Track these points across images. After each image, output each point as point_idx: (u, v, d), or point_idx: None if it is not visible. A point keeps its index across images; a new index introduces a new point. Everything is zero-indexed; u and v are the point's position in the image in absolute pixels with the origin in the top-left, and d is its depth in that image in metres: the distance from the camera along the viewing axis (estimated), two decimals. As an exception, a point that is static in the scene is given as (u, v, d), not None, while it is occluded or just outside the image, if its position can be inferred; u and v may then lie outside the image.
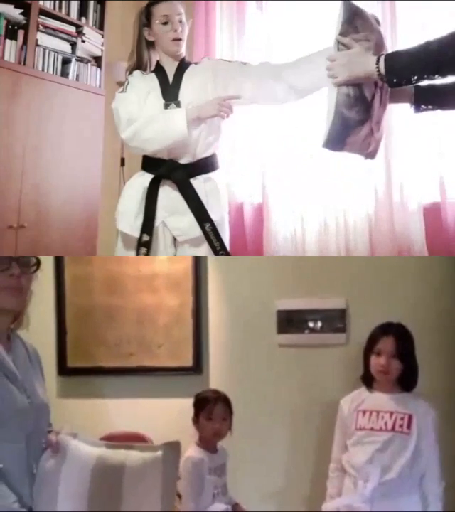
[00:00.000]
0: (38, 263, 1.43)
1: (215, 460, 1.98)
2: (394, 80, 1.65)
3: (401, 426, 1.91)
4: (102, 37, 3.60)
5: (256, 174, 3.60)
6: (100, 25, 3.61)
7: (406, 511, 1.86)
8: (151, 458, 1.35)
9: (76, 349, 2.32)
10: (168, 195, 2.17)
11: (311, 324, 2.29)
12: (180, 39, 2.21)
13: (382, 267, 2.29)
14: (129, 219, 2.22)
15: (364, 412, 1.97)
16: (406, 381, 1.97)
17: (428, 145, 3.15)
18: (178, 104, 2.16)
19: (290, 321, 2.29)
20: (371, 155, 1.89)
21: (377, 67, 1.64)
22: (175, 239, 2.23)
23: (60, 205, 3.30)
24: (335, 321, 2.27)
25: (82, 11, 3.49)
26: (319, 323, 2.28)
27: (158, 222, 2.18)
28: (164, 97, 2.18)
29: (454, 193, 3.10)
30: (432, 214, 3.15)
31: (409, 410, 1.92)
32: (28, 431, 1.33)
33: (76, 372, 2.32)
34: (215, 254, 2.20)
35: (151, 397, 2.30)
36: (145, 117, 2.14)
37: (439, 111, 1.87)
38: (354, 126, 1.74)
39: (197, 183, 2.18)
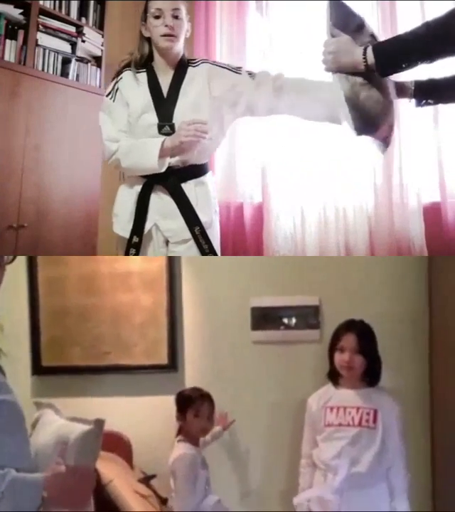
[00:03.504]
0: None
1: (201, 453, 2.05)
2: (385, 69, 1.64)
3: (367, 421, 1.98)
4: (102, 37, 3.60)
5: (256, 174, 3.60)
6: (100, 25, 3.61)
7: (373, 500, 1.93)
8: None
9: (51, 348, 2.33)
10: (161, 199, 2.19)
11: (285, 321, 2.32)
12: (171, 35, 2.09)
13: (355, 266, 2.34)
14: (123, 222, 2.25)
15: (332, 409, 2.03)
16: (370, 376, 2.03)
17: (428, 144, 3.15)
18: (172, 127, 2.10)
19: (264, 318, 2.32)
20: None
21: (364, 58, 1.64)
22: (166, 240, 2.24)
23: (60, 205, 3.30)
24: (309, 317, 2.31)
25: (82, 11, 3.48)
26: (293, 320, 2.31)
27: (151, 224, 2.20)
28: (158, 116, 2.12)
29: (454, 192, 3.11)
30: (432, 213, 3.15)
31: (374, 405, 1.99)
32: None
33: (51, 372, 2.33)
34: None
35: (126, 395, 2.32)
36: (123, 147, 2.14)
37: (439, 104, 1.86)
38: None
39: (189, 187, 2.19)
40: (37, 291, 2.33)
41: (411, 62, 1.62)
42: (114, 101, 2.18)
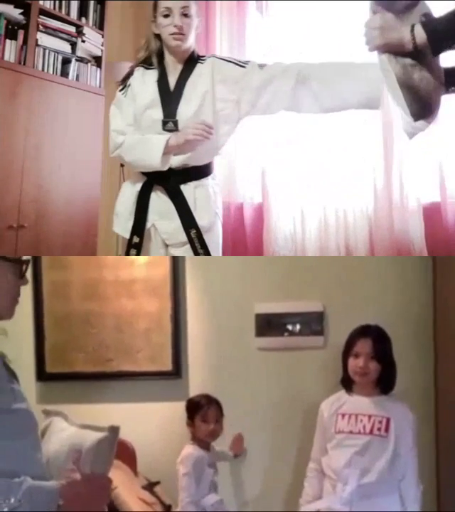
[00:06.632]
0: (28, 263, 1.34)
1: (211, 457, 2.09)
2: (437, 47, 1.53)
3: (379, 429, 1.92)
4: (102, 37, 3.60)
5: (256, 174, 3.60)
6: (100, 25, 3.61)
7: (385, 511, 1.88)
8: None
9: (55, 355, 2.32)
10: (161, 199, 2.17)
11: (289, 327, 2.30)
12: (180, 34, 2.09)
13: (359, 269, 2.30)
14: (122, 221, 2.24)
15: (343, 415, 1.98)
16: (384, 383, 1.98)
17: (428, 144, 3.15)
18: (175, 124, 2.10)
19: (268, 325, 2.30)
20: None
21: (413, 36, 1.52)
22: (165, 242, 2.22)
23: (60, 205, 3.30)
24: (313, 323, 2.29)
25: (82, 11, 3.49)
26: (298, 326, 2.30)
27: (149, 224, 2.18)
28: (164, 111, 2.12)
29: (454, 192, 3.11)
30: (432, 214, 3.15)
31: (387, 413, 1.94)
32: None
33: (55, 378, 2.32)
34: None
35: (130, 401, 2.30)
36: (128, 141, 2.13)
37: None
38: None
39: (188, 189, 2.16)
40: (41, 295, 2.32)
41: None
42: (125, 96, 2.19)
